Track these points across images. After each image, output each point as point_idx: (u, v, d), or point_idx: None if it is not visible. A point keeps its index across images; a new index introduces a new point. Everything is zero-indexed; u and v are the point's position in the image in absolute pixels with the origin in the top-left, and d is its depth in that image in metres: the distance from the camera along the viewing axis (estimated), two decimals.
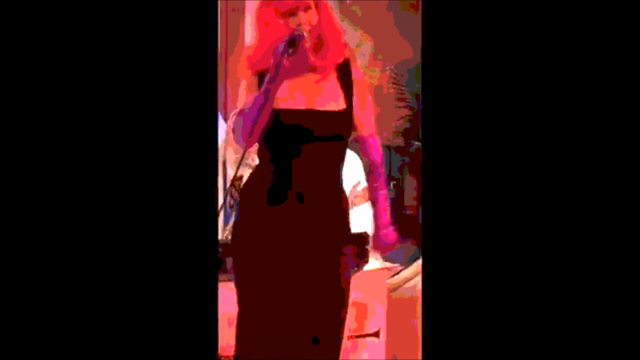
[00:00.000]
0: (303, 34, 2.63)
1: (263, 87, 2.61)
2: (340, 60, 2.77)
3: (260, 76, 2.69)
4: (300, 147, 2.68)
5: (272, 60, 2.59)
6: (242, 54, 2.79)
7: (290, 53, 2.58)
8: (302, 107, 2.70)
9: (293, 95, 2.70)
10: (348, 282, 2.76)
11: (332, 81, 2.76)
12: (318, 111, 2.71)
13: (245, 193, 2.78)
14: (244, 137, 2.64)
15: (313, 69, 2.73)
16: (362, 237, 3.49)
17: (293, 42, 2.60)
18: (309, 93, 2.72)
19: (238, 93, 2.76)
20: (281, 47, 2.59)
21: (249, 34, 2.82)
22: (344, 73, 2.78)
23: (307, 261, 2.69)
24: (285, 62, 2.57)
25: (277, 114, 2.65)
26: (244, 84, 2.75)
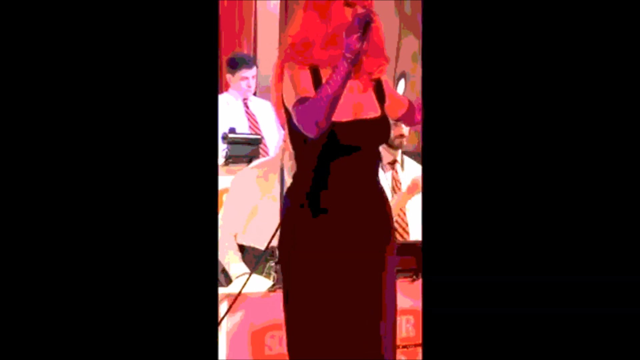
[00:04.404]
0: (373, 14, 2.59)
1: (339, 69, 2.56)
2: (382, 72, 2.78)
3: (313, 71, 2.68)
4: (341, 155, 2.68)
5: (346, 43, 2.55)
6: (288, 47, 2.73)
7: (367, 32, 2.55)
8: (344, 117, 2.67)
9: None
10: (393, 289, 2.75)
11: (368, 91, 2.77)
12: (360, 120, 2.71)
13: (288, 200, 2.77)
14: (319, 125, 2.60)
15: (357, 76, 2.70)
16: (412, 246, 3.47)
17: (369, 22, 2.56)
18: (348, 103, 2.68)
19: (290, 83, 2.70)
20: (353, 26, 2.55)
21: (300, 25, 2.73)
22: (379, 85, 2.79)
23: (352, 269, 2.68)
24: (359, 45, 2.55)
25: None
26: (288, 73, 2.70)
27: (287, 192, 2.80)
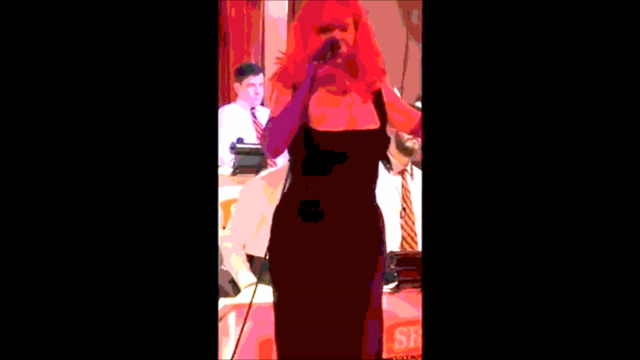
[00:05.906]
0: (339, 41, 2.65)
1: (295, 95, 2.64)
2: (377, 86, 2.79)
3: (295, 89, 2.72)
4: (336, 166, 2.70)
5: (307, 67, 2.61)
6: (282, 66, 2.78)
7: (327, 58, 2.62)
8: (336, 128, 2.71)
9: (326, 116, 2.72)
10: (379, 300, 2.77)
11: (367, 104, 2.78)
12: (353, 131, 2.73)
13: (279, 211, 2.80)
14: (270, 146, 2.68)
15: (347, 91, 2.75)
16: (400, 257, 3.48)
17: (330, 46, 2.62)
18: (343, 114, 2.72)
19: (272, 102, 2.78)
20: (317, 51, 2.62)
21: (290, 46, 2.81)
22: (378, 98, 2.80)
23: (342, 280, 2.70)
24: (319, 70, 2.60)
25: (310, 134, 2.67)
26: (276, 93, 2.76)
27: (280, 200, 2.83)
